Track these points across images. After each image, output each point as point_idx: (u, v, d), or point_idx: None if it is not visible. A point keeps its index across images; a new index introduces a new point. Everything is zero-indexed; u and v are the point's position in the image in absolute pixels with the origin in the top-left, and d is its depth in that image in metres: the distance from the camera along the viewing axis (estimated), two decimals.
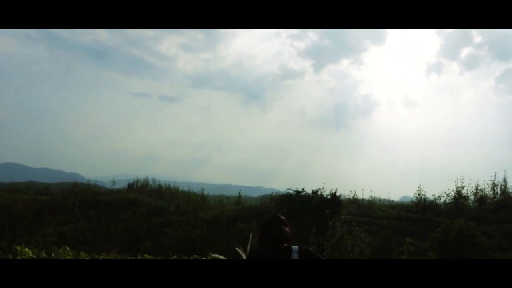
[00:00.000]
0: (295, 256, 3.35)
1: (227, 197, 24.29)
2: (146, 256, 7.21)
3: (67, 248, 7.12)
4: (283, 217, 3.65)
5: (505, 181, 18.74)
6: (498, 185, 18.83)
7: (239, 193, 23.11)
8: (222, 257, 5.03)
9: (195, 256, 6.94)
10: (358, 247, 12.51)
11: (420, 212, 18.28)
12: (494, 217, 17.02)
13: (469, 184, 19.15)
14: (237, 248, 4.91)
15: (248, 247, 4.31)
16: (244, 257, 4.20)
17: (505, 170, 18.99)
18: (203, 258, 6.80)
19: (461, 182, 19.01)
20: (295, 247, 3.43)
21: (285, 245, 3.45)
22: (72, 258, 6.54)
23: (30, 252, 6.99)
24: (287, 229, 3.58)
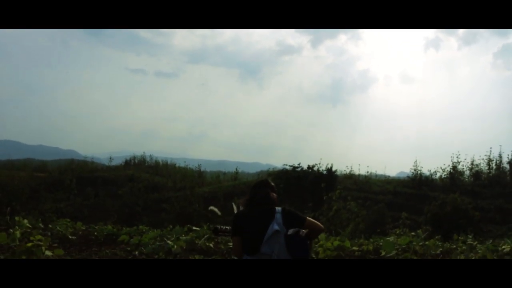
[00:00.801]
0: (278, 216, 3.54)
1: (224, 173, 24.27)
2: (142, 227, 7.25)
3: (67, 219, 7.20)
4: (272, 183, 3.82)
5: (500, 156, 18.79)
6: (493, 160, 18.87)
7: (236, 169, 23.11)
8: (217, 211, 5.18)
9: (188, 226, 6.99)
10: (354, 221, 12.58)
11: (416, 187, 18.34)
12: (488, 191, 17.09)
13: (465, 159, 19.21)
14: (210, 208, 4.99)
15: (234, 209, 4.46)
16: (235, 209, 4.36)
17: (500, 145, 19.04)
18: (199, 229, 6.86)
19: (457, 157, 19.07)
20: (278, 208, 3.62)
21: (270, 206, 3.63)
22: (69, 227, 6.61)
23: (27, 222, 7.05)
24: (274, 194, 3.76)
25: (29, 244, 5.22)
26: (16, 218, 6.55)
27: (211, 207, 5.63)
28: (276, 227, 3.54)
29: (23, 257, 4.93)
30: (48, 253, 5.19)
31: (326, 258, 5.26)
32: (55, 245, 6.04)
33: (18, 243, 5.63)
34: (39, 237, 5.67)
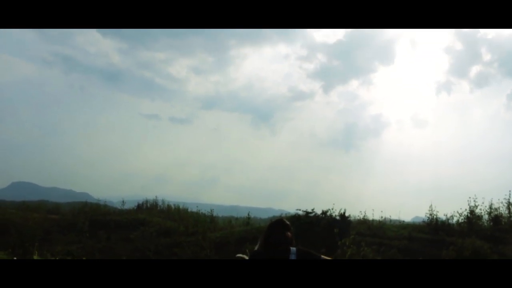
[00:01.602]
0: (293, 257, 3.53)
1: (236, 218, 24.14)
2: None
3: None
4: (287, 222, 3.89)
5: None
6: None
7: (248, 214, 22.97)
8: (246, 257, 5.16)
9: None
10: None
11: (432, 232, 17.88)
12: (510, 237, 16.60)
13: (482, 203, 18.75)
14: (238, 255, 4.97)
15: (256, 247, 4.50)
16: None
17: None
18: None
19: (474, 201, 18.61)
20: (293, 249, 3.62)
21: (285, 246, 3.63)
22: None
23: None
24: (289, 233, 3.80)
25: None
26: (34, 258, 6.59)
27: (238, 255, 5.62)
28: None
29: None
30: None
31: None
32: None
33: None
34: None
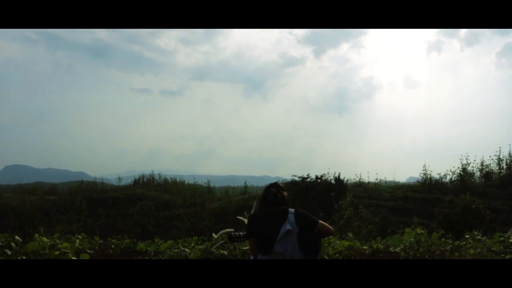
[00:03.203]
0: (291, 217, 3.68)
1: (233, 188, 24.34)
2: (157, 240, 7.28)
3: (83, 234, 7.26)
4: (281, 184, 4.00)
5: (510, 155, 18.61)
6: (503, 160, 18.72)
7: (245, 183, 23.14)
8: (232, 230, 5.29)
9: (202, 237, 7.02)
10: (366, 228, 12.50)
11: (426, 192, 18.19)
12: (500, 192, 16.92)
13: (474, 160, 19.05)
14: (238, 217, 5.09)
15: (252, 211, 4.61)
16: (246, 221, 4.53)
17: (510, 144, 18.86)
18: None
19: (466, 159, 18.92)
20: (291, 210, 3.75)
21: (282, 207, 3.76)
22: (86, 242, 6.69)
23: (45, 239, 7.12)
24: (284, 193, 3.90)
25: (57, 252, 5.47)
26: (36, 236, 6.64)
27: (222, 231, 5.70)
28: (288, 226, 3.69)
29: None
30: (74, 258, 5.44)
31: (336, 256, 5.31)
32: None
33: (48, 251, 5.76)
34: (66, 244, 5.91)
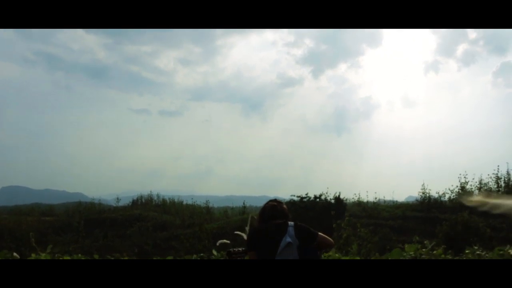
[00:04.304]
0: (290, 230, 3.64)
1: (232, 208, 24.25)
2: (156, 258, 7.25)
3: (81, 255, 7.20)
4: (280, 200, 4.03)
5: (508, 173, 18.62)
6: (501, 178, 18.73)
7: (244, 203, 23.06)
8: (228, 242, 5.25)
9: (202, 254, 6.98)
10: (365, 247, 12.46)
11: (425, 210, 18.17)
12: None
13: (473, 179, 19.04)
14: (236, 232, 5.05)
15: (247, 228, 4.57)
16: (245, 236, 4.42)
17: (507, 163, 18.88)
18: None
19: (465, 177, 18.90)
20: (291, 223, 3.72)
21: (282, 221, 3.74)
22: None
23: (43, 254, 7.03)
24: (284, 206, 3.93)
25: None
26: (33, 255, 6.58)
27: (220, 241, 5.66)
28: (289, 239, 3.65)
29: None
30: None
31: None
32: None
33: None
34: (67, 257, 6.03)
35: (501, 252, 6.12)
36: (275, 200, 4.02)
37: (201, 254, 7.18)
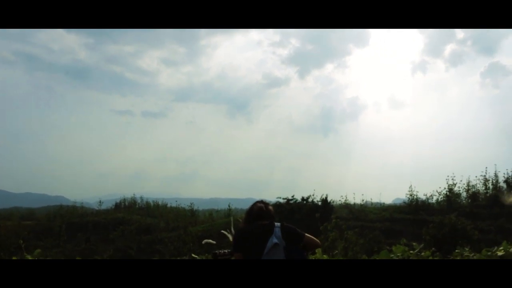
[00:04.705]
0: (277, 230, 3.64)
1: (217, 211, 24.02)
2: None
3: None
4: (267, 202, 4.02)
5: (496, 175, 18.62)
6: (489, 180, 18.71)
7: (229, 206, 22.82)
8: (211, 241, 5.16)
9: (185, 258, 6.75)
10: (351, 250, 12.33)
11: (413, 213, 18.08)
12: (487, 212, 16.87)
13: (461, 181, 19.00)
14: (222, 231, 4.98)
15: (232, 229, 4.54)
16: (231, 238, 4.46)
17: (495, 164, 18.90)
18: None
19: (452, 179, 18.86)
20: (277, 224, 3.72)
21: (268, 221, 3.74)
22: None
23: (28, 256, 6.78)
24: (270, 207, 3.93)
25: None
26: (14, 258, 6.32)
27: (205, 240, 5.49)
28: (275, 240, 3.61)
29: None
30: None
31: None
32: None
33: None
34: None
35: (489, 253, 6.06)
36: (262, 202, 4.01)
37: (185, 258, 6.98)
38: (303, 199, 18.35)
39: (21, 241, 7.51)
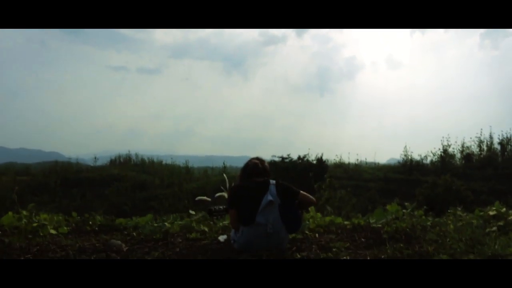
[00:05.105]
0: (272, 188, 3.66)
1: (212, 168, 24.08)
2: (135, 218, 7.01)
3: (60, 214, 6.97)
4: (262, 159, 4.11)
5: (491, 137, 18.70)
6: (484, 142, 18.78)
7: (224, 163, 22.86)
8: (205, 198, 5.22)
9: (181, 214, 6.77)
10: (344, 209, 12.45)
11: (407, 173, 18.21)
12: (480, 173, 16.99)
13: (456, 142, 19.09)
14: (218, 194, 5.02)
15: (227, 186, 4.66)
16: (226, 195, 4.53)
17: (490, 126, 18.95)
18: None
19: (447, 140, 18.95)
20: (272, 181, 3.74)
21: (263, 179, 3.79)
22: (63, 218, 6.42)
23: (23, 212, 6.79)
24: (266, 164, 4.01)
25: (35, 224, 5.25)
26: (10, 213, 6.33)
27: (199, 197, 5.49)
28: (270, 197, 3.65)
29: (29, 236, 5.00)
30: (52, 231, 5.22)
31: (317, 229, 5.20)
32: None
33: (24, 223, 5.47)
34: (45, 216, 5.70)
35: (482, 213, 6.11)
36: (257, 158, 4.05)
37: (181, 214, 6.97)
38: (299, 158, 18.33)
39: (15, 196, 7.48)
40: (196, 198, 5.41)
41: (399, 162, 19.48)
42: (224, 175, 5.37)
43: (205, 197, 5.32)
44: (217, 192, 5.25)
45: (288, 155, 18.49)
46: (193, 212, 6.35)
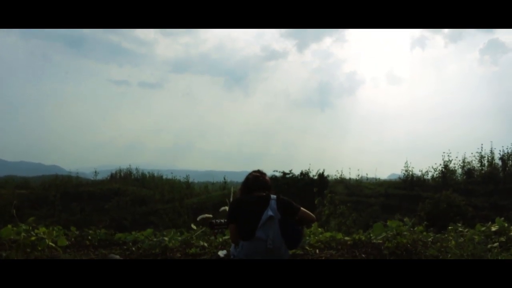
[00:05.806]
0: (273, 203, 3.63)
1: (213, 183, 24.04)
2: (134, 233, 6.98)
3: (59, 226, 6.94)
4: (263, 172, 4.08)
5: (492, 152, 18.59)
6: (485, 157, 18.71)
7: (224, 178, 22.84)
8: (207, 215, 5.19)
9: (181, 229, 6.72)
10: (344, 225, 12.39)
11: (408, 188, 18.11)
12: (482, 189, 16.90)
13: (456, 157, 19.03)
14: (222, 209, 5.01)
15: (231, 198, 4.54)
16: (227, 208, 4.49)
17: (491, 141, 18.86)
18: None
19: (448, 156, 18.87)
20: (273, 196, 3.71)
21: (264, 193, 3.78)
22: (62, 232, 6.38)
23: (22, 225, 6.75)
24: (267, 178, 3.97)
25: (33, 238, 5.24)
26: (9, 226, 6.30)
27: (200, 216, 5.45)
28: (270, 213, 3.61)
29: (28, 250, 5.05)
30: (51, 244, 5.25)
31: (318, 245, 5.19)
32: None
33: (22, 236, 5.45)
34: (43, 229, 5.68)
35: (483, 228, 6.10)
36: (258, 171, 4.02)
37: (180, 229, 6.94)
38: (302, 173, 18.23)
39: (14, 210, 7.44)
40: (198, 218, 5.38)
41: (400, 178, 19.40)
42: (232, 188, 5.34)
43: (207, 215, 5.30)
44: (218, 207, 5.23)
45: (290, 170, 18.42)
46: (194, 227, 6.32)
